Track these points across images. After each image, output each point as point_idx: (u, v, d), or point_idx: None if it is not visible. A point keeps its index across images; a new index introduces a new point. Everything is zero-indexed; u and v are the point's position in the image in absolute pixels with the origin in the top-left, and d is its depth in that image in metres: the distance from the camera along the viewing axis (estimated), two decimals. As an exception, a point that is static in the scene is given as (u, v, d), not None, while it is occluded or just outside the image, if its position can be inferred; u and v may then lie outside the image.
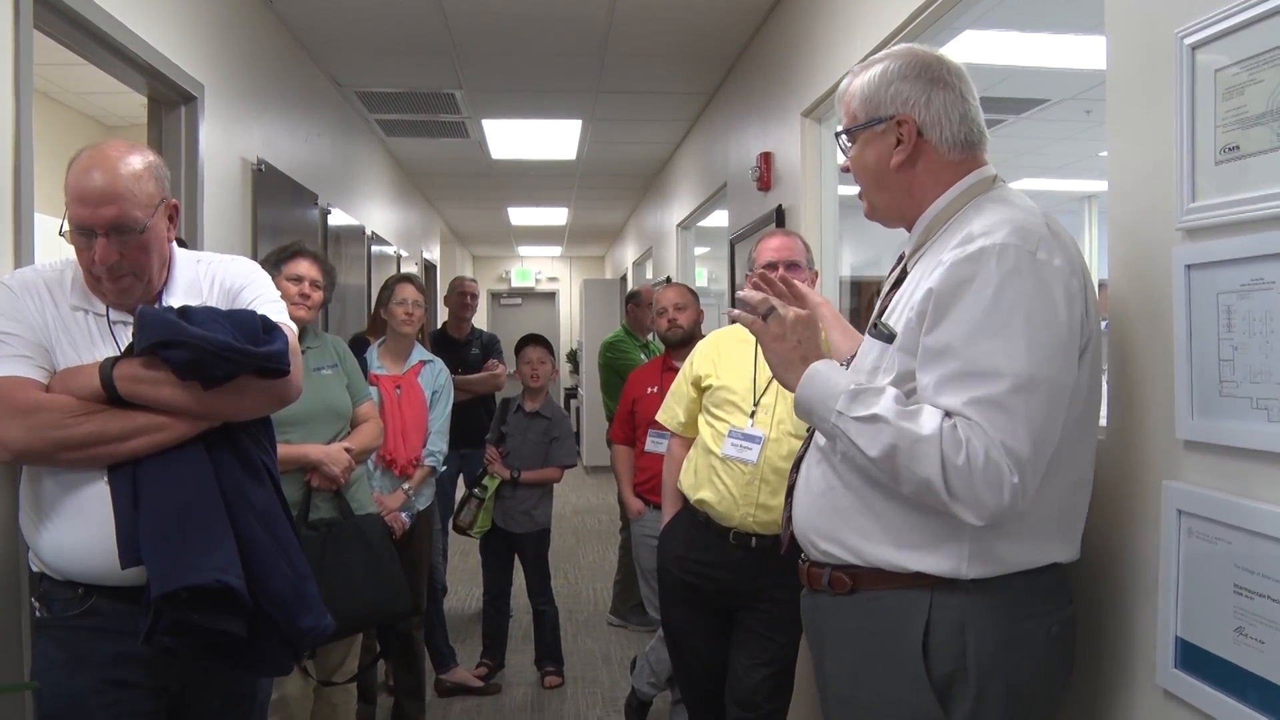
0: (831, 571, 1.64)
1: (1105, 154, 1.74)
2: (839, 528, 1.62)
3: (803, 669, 2.76)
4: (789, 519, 1.78)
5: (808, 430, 1.80)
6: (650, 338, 5.45)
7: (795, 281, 1.95)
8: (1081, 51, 4.62)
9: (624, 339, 5.55)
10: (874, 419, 1.46)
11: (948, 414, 1.41)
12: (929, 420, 1.41)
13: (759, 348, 1.87)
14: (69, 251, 1.83)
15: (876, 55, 1.66)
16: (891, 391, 1.48)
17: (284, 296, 2.16)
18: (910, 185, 1.62)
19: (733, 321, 1.76)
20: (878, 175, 1.64)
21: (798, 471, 1.77)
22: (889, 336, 1.56)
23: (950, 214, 1.59)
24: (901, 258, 1.71)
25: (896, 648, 1.54)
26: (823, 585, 1.67)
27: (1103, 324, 1.60)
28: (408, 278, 3.87)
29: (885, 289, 1.73)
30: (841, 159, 1.73)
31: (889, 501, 1.54)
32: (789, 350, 1.62)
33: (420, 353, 3.80)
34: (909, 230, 1.68)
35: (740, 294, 1.75)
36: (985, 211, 1.52)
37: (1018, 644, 1.51)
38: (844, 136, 1.68)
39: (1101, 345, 1.55)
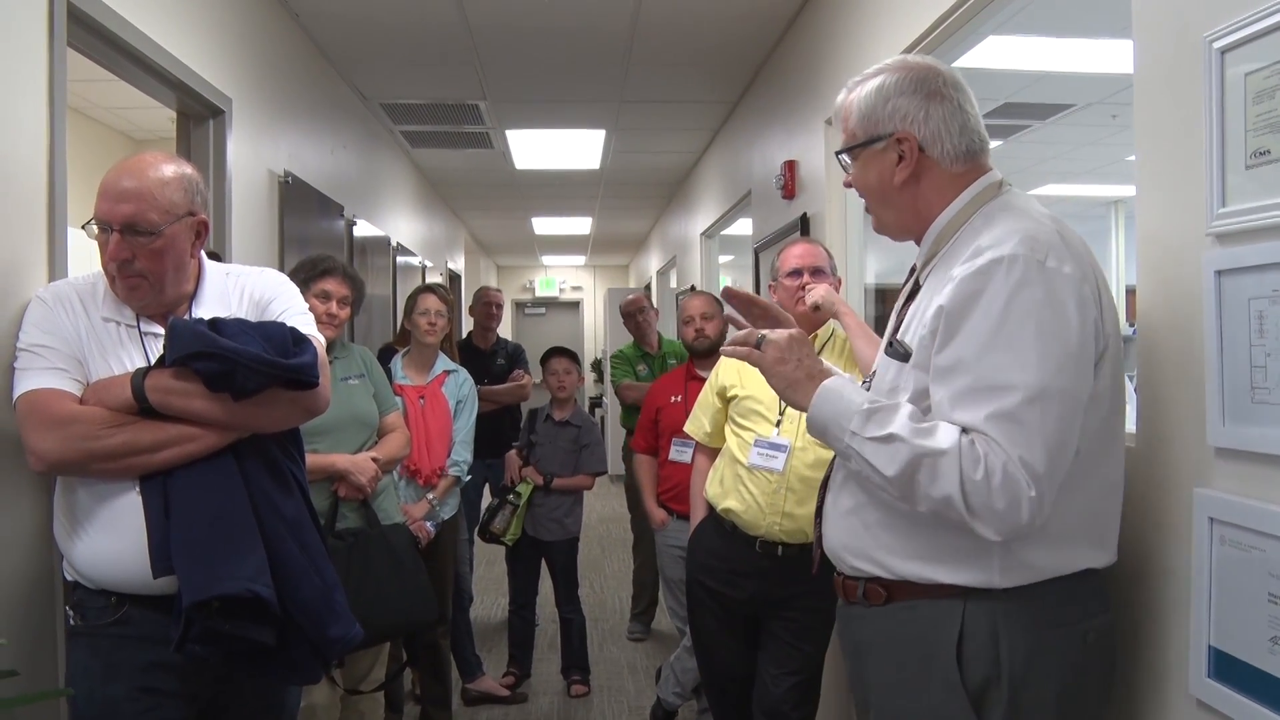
0: (866, 584, 1.64)
1: (1132, 159, 1.73)
2: (868, 545, 1.62)
3: (829, 679, 2.75)
4: (819, 538, 1.77)
5: None
6: (658, 345, 5.41)
7: (760, 300, 1.98)
8: (1107, 56, 4.59)
9: (624, 351, 5.45)
10: (890, 438, 1.45)
11: (964, 430, 1.40)
12: (946, 436, 1.40)
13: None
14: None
15: (871, 69, 1.64)
16: (907, 408, 1.47)
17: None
18: (915, 201, 1.61)
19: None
20: (882, 193, 1.64)
21: (827, 491, 1.77)
22: (905, 355, 1.55)
23: (959, 224, 1.57)
24: (914, 270, 1.70)
25: (931, 656, 1.53)
26: (858, 597, 1.66)
27: (1131, 330, 1.58)
28: (431, 288, 3.88)
29: (899, 303, 1.72)
30: (845, 176, 1.72)
31: (915, 517, 1.52)
32: (792, 371, 1.62)
33: (444, 363, 3.82)
34: (918, 244, 1.67)
35: (725, 348, 1.73)
36: (995, 222, 1.51)
37: (1051, 651, 1.50)
38: (844, 155, 1.67)
39: (1121, 350, 1.53)
